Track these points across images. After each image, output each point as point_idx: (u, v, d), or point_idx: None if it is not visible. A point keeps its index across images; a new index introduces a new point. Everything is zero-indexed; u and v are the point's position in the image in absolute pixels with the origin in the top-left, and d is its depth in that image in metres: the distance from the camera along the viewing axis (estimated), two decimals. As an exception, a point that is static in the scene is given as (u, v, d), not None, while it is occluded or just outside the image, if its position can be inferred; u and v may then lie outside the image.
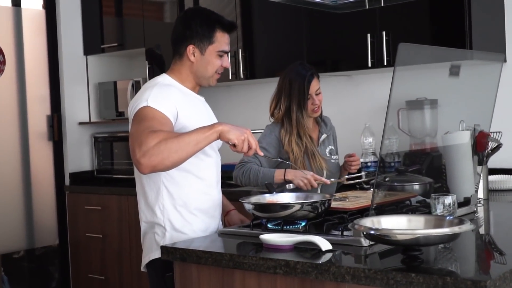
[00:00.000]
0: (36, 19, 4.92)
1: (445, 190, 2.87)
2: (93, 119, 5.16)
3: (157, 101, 2.34)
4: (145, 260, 2.51)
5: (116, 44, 4.98)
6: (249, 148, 2.28)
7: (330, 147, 3.26)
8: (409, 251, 1.86)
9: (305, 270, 1.90)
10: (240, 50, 4.23)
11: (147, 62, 4.72)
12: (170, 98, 2.39)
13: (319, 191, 3.09)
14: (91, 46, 5.10)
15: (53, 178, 4.97)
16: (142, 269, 2.54)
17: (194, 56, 2.50)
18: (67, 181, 5.00)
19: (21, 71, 4.81)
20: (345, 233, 2.17)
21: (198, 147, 2.21)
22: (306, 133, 3.12)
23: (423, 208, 2.60)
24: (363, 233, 1.93)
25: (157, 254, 2.42)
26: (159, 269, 2.43)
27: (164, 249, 2.24)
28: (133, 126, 2.31)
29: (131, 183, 4.70)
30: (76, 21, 5.08)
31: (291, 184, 2.95)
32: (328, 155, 3.23)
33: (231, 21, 2.56)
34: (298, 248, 2.09)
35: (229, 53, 3.72)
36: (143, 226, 2.54)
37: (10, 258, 4.77)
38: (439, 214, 2.25)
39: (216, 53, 2.50)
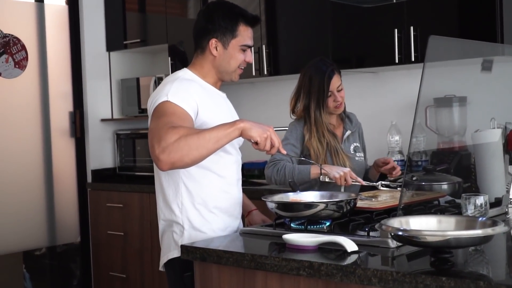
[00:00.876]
0: (59, 15, 4.89)
1: (475, 190, 2.79)
2: (115, 116, 5.12)
3: (177, 96, 2.29)
4: (163, 259, 2.46)
5: (139, 40, 4.94)
6: (272, 146, 2.21)
7: (355, 144, 3.17)
8: (439, 253, 1.78)
9: (330, 272, 1.83)
10: (264, 46, 4.16)
11: (169, 58, 4.67)
12: (191, 93, 2.33)
13: (342, 189, 3.01)
14: (114, 42, 5.06)
15: (75, 175, 4.94)
16: (161, 268, 2.49)
17: (216, 50, 2.44)
18: (89, 178, 4.97)
19: (44, 67, 4.78)
20: (371, 233, 2.11)
21: (219, 144, 2.16)
22: (326, 130, 3.03)
23: (453, 209, 2.52)
24: (390, 234, 1.85)
25: (175, 253, 2.38)
26: (178, 268, 2.38)
27: (184, 248, 2.19)
28: (152, 122, 2.26)
29: (153, 180, 4.68)
30: (99, 17, 5.05)
31: (326, 177, 2.85)
32: (353, 152, 3.14)
33: (254, 15, 2.49)
34: (322, 248, 2.03)
35: (252, 49, 3.66)
36: (161, 224, 2.49)
37: (32, 255, 4.76)
38: (470, 215, 2.16)
39: (239, 47, 2.44)
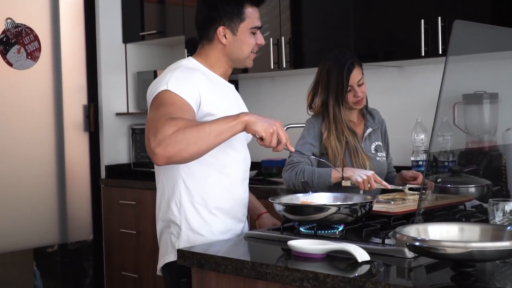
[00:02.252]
0: (74, 5, 4.77)
1: (505, 194, 2.59)
2: (131, 110, 4.98)
3: (178, 85, 2.12)
4: (160, 263, 2.30)
5: (156, 32, 4.78)
6: (279, 142, 2.02)
7: (376, 143, 2.95)
8: (461, 266, 1.57)
9: (336, 284, 1.63)
10: (283, 38, 3.96)
11: (186, 50, 4.49)
12: (193, 83, 2.16)
13: (361, 191, 2.79)
14: (131, 33, 4.92)
15: (88, 171, 4.82)
16: (158, 272, 2.32)
17: (226, 38, 2.27)
18: (102, 174, 4.85)
19: (57, 59, 4.66)
20: (386, 241, 1.91)
21: (221, 138, 1.98)
22: (346, 128, 2.84)
23: (480, 214, 2.32)
24: (406, 244, 1.64)
25: (172, 257, 2.21)
26: (174, 273, 2.22)
27: (180, 252, 2.01)
28: (150, 112, 2.11)
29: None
30: (116, 7, 4.92)
31: (349, 181, 2.65)
32: (374, 152, 2.92)
33: None
34: (331, 256, 1.84)
35: (271, 40, 3.45)
36: (159, 224, 2.33)
37: (43, 252, 4.66)
38: (498, 222, 1.94)
39: (249, 31, 2.28)
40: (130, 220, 4.56)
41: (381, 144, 2.97)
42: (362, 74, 2.88)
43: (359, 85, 2.84)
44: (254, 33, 2.29)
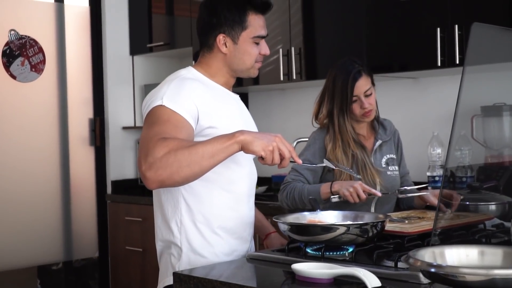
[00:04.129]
0: (80, 16, 4.70)
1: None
2: (138, 124, 4.88)
3: (173, 99, 1.99)
4: (160, 286, 2.17)
5: (164, 43, 4.68)
6: (282, 158, 1.87)
7: (388, 156, 2.77)
8: (482, 295, 1.41)
9: (343, 314, 1.47)
10: (293, 49, 3.82)
11: (193, 62, 4.37)
12: (190, 96, 2.02)
13: (373, 209, 2.64)
14: (138, 45, 4.83)
15: (94, 186, 4.73)
16: (157, 296, 2.17)
17: (226, 46, 2.13)
18: (109, 190, 4.75)
19: (63, 71, 4.58)
20: (399, 264, 1.75)
21: (215, 160, 1.85)
22: (352, 140, 2.67)
23: (501, 235, 2.16)
24: (420, 270, 1.48)
25: (171, 280, 2.04)
26: (175, 298, 2.05)
27: (176, 276, 1.88)
28: (143, 130, 1.98)
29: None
30: (123, 18, 4.83)
31: (337, 196, 2.51)
32: (384, 165, 2.74)
33: (264, 0, 2.15)
34: (339, 281, 1.69)
35: (281, 51, 3.31)
36: (158, 246, 2.19)
37: (48, 270, 4.57)
38: (522, 244, 1.78)
39: (252, 40, 2.13)
40: (136, 237, 4.44)
41: (394, 157, 2.79)
42: (373, 84, 2.72)
43: (366, 96, 2.67)
44: (257, 43, 2.15)
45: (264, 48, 2.17)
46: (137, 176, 4.84)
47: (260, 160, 1.89)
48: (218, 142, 1.84)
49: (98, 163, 4.74)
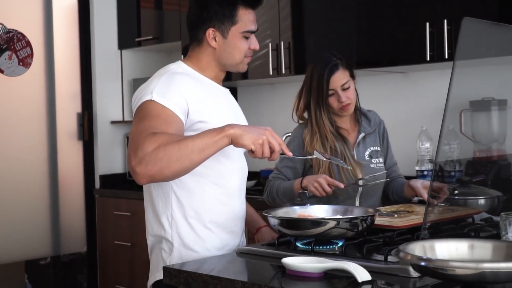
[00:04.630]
0: (68, 10, 4.66)
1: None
2: (126, 118, 4.85)
3: (163, 94, 1.98)
4: (150, 280, 2.16)
5: (153, 37, 4.65)
6: (272, 151, 1.87)
7: (372, 148, 2.74)
8: (472, 288, 1.42)
9: (334, 308, 1.48)
10: (282, 43, 3.81)
11: (182, 56, 4.35)
12: (180, 90, 2.01)
13: (357, 203, 2.63)
14: (127, 39, 4.81)
15: (82, 181, 4.69)
16: (147, 291, 2.16)
17: (215, 41, 2.12)
18: (97, 184, 4.72)
19: (51, 65, 4.54)
20: (389, 258, 1.76)
21: (205, 154, 1.84)
22: (330, 133, 2.65)
23: (489, 228, 2.17)
24: (410, 264, 1.48)
25: (162, 275, 2.04)
26: (166, 293, 2.05)
27: (167, 270, 1.87)
28: (133, 125, 1.96)
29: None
30: (111, 12, 4.80)
31: (306, 192, 2.52)
32: (368, 158, 2.72)
33: None
34: (329, 275, 1.69)
35: (269, 45, 3.30)
36: (149, 240, 2.18)
37: (35, 265, 4.52)
38: (511, 238, 1.79)
39: (241, 35, 2.12)
40: (124, 231, 4.42)
41: (378, 149, 2.77)
42: (352, 78, 2.69)
43: (344, 89, 2.64)
44: (247, 37, 2.14)
45: (254, 43, 2.16)
46: (126, 170, 4.82)
47: (250, 153, 1.88)
48: (208, 136, 1.84)
49: (86, 157, 4.71)
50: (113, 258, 4.53)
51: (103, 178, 4.71)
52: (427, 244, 1.56)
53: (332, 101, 2.64)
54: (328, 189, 2.46)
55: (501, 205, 2.44)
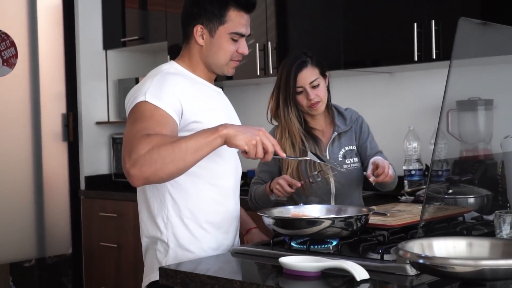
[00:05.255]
0: (52, 10, 4.61)
1: (502, 204, 2.46)
2: (111, 119, 4.82)
3: (156, 95, 1.97)
4: (145, 281, 2.15)
5: (138, 38, 4.63)
6: (265, 152, 1.87)
7: (346, 148, 2.68)
8: (471, 286, 1.43)
9: (334, 306, 1.48)
10: (269, 43, 3.82)
11: (169, 57, 4.35)
12: (173, 91, 2.00)
13: (333, 202, 2.61)
14: (112, 40, 4.77)
15: (67, 182, 4.65)
16: (142, 292, 2.15)
17: (202, 38, 2.11)
18: (82, 186, 4.68)
19: (35, 66, 4.50)
20: (385, 257, 1.77)
21: (199, 154, 1.84)
22: (300, 133, 2.61)
23: (481, 227, 2.18)
24: (409, 261, 1.49)
25: (158, 276, 2.03)
26: (161, 294, 2.05)
27: (162, 271, 1.86)
28: (127, 126, 1.95)
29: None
30: (96, 12, 4.76)
31: (274, 194, 2.51)
32: (341, 159, 2.66)
33: None
34: (326, 274, 1.69)
35: (260, 45, 3.30)
36: (144, 241, 2.17)
37: (20, 267, 4.48)
38: (505, 236, 1.81)
39: (229, 36, 2.11)
40: (110, 233, 4.39)
41: (353, 148, 2.69)
42: (323, 77, 2.63)
43: (313, 87, 2.59)
44: (235, 40, 2.12)
45: (243, 47, 2.14)
46: (111, 171, 4.78)
47: (243, 154, 1.88)
48: (202, 137, 1.83)
49: (71, 158, 4.67)
50: (98, 259, 4.50)
51: (88, 179, 4.68)
52: (425, 242, 1.58)
53: (301, 99, 2.60)
54: (288, 189, 2.43)
55: (490, 203, 2.47)
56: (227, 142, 1.85)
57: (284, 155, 1.96)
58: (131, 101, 2.01)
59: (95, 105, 4.75)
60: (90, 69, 4.72)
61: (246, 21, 2.14)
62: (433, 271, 1.45)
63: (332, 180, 2.62)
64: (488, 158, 3.13)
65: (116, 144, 4.72)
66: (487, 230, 2.14)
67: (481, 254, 1.53)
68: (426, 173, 3.45)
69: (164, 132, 1.89)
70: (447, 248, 1.56)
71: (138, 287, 4.19)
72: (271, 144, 1.89)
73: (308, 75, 2.59)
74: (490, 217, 2.35)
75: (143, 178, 1.81)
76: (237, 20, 2.11)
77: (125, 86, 4.71)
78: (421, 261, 1.45)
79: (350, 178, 2.66)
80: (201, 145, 1.83)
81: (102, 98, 4.79)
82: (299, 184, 2.45)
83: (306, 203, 2.48)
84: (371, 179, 2.44)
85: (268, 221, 2.02)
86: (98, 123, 4.75)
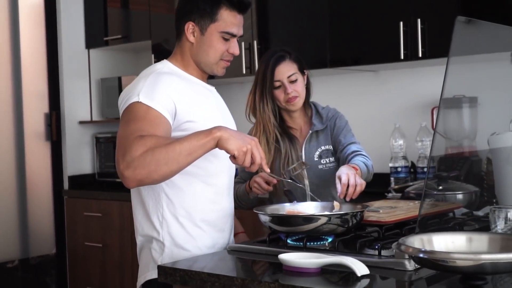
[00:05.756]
0: (34, 8, 4.57)
1: (487, 200, 2.50)
2: (94, 118, 4.80)
3: (150, 95, 1.97)
4: (140, 280, 2.13)
5: (121, 37, 4.61)
6: (252, 162, 1.89)
7: (323, 147, 2.63)
8: (471, 280, 1.46)
9: (339, 302, 1.50)
10: (255, 42, 3.83)
11: (153, 55, 4.34)
12: (167, 91, 2.00)
13: (309, 198, 2.53)
14: (94, 38, 4.75)
15: (50, 182, 4.62)
16: (138, 290, 2.15)
17: (193, 36, 2.11)
18: (65, 185, 4.65)
19: (17, 65, 4.46)
20: (383, 252, 1.78)
21: (192, 157, 1.86)
22: (273, 128, 2.58)
23: (472, 222, 2.21)
24: (411, 256, 1.52)
25: (154, 274, 2.05)
26: (157, 292, 2.05)
27: (161, 269, 1.86)
28: (120, 127, 1.95)
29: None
30: (78, 11, 4.74)
31: (252, 193, 2.50)
32: (317, 159, 2.61)
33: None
34: (325, 270, 1.71)
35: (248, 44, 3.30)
36: (139, 240, 2.16)
37: (3, 268, 4.42)
38: (500, 230, 1.84)
39: (220, 35, 2.10)
40: (95, 232, 4.37)
41: (330, 147, 2.64)
42: (301, 73, 2.61)
43: (291, 82, 2.56)
44: (226, 39, 2.11)
45: (233, 47, 2.13)
46: (94, 171, 4.76)
47: (231, 158, 1.89)
48: (195, 139, 1.85)
49: (54, 158, 4.64)
50: (83, 259, 4.47)
51: (72, 179, 4.65)
52: (425, 237, 1.60)
53: (278, 93, 2.57)
54: (266, 186, 2.42)
55: (478, 199, 2.51)
56: (219, 144, 1.86)
57: (268, 170, 1.99)
58: (124, 101, 2.01)
59: (78, 105, 4.72)
60: (73, 68, 4.69)
61: (238, 22, 2.13)
62: (434, 266, 1.47)
63: (306, 182, 2.58)
64: (473, 155, 3.17)
65: (100, 144, 4.69)
66: (478, 226, 2.18)
67: (480, 248, 1.56)
68: (412, 170, 3.49)
69: (158, 133, 1.90)
70: (446, 243, 1.59)
71: (124, 286, 4.21)
72: (260, 156, 1.90)
73: (286, 69, 2.56)
74: (480, 213, 2.39)
75: (137, 180, 1.83)
76: (229, 20, 2.11)
77: (108, 85, 4.69)
78: (422, 255, 1.47)
79: (326, 178, 2.61)
80: (194, 147, 1.84)
81: (85, 97, 4.76)
82: (275, 181, 2.42)
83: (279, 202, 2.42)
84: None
85: (264, 218, 2.03)
86: (81, 122, 4.73)
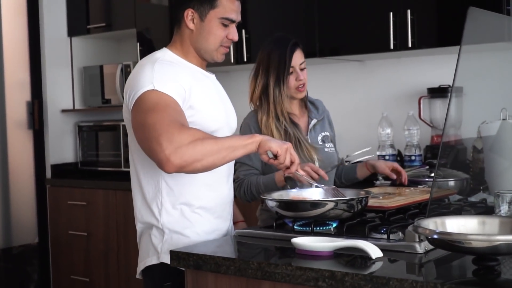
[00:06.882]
0: (15, -3, 4.52)
1: (473, 187, 2.58)
2: (77, 107, 4.78)
3: (164, 83, 1.98)
4: (141, 266, 2.15)
5: (103, 25, 4.59)
6: (292, 162, 2.00)
7: (323, 133, 2.74)
8: (484, 261, 1.52)
9: (356, 283, 1.55)
10: (243, 31, 3.85)
11: (138, 44, 4.33)
12: (176, 78, 2.02)
13: (314, 185, 2.60)
14: (76, 26, 4.72)
15: (33, 171, 4.59)
16: (138, 276, 2.17)
17: (193, 23, 2.13)
18: (48, 174, 4.63)
19: (-1, 53, 4.41)
20: (391, 236, 1.83)
21: (235, 154, 1.94)
22: (286, 114, 2.63)
23: (468, 208, 2.28)
24: (427, 237, 1.57)
25: (154, 260, 2.09)
26: (157, 277, 2.09)
27: (174, 254, 1.88)
28: (142, 116, 1.94)
29: (118, 176, 4.40)
30: (60, -1, 4.69)
31: (291, 182, 2.50)
32: (321, 143, 2.71)
33: None
34: (337, 254, 1.75)
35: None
36: (138, 227, 2.18)
37: (-15, 258, 4.39)
38: (504, 214, 1.91)
39: (219, 21, 2.12)
40: (80, 221, 4.37)
41: (328, 134, 2.76)
42: (304, 60, 2.69)
43: (301, 69, 2.64)
44: (226, 25, 2.14)
45: (233, 33, 2.15)
46: (77, 159, 4.73)
47: (271, 160, 1.97)
48: (240, 139, 1.95)
49: (37, 147, 4.61)
50: (67, 248, 4.46)
51: (54, 167, 4.63)
52: (438, 220, 1.66)
53: (291, 79, 2.62)
54: (316, 176, 2.42)
55: (469, 186, 2.58)
56: (261, 146, 1.96)
57: (303, 172, 2.11)
58: (135, 90, 1.99)
59: (60, 93, 4.69)
60: (55, 56, 4.66)
61: (237, 7, 2.16)
62: (450, 247, 1.53)
63: (316, 162, 2.62)
64: (458, 144, 3.25)
65: (82, 132, 4.68)
66: (474, 212, 2.25)
67: (492, 231, 1.63)
68: (399, 158, 3.56)
69: (183, 120, 1.94)
70: (459, 226, 1.65)
71: (108, 274, 4.22)
72: (297, 157, 2.01)
73: (299, 56, 2.65)
74: (473, 199, 2.47)
75: (180, 166, 1.85)
76: (228, 6, 2.13)
77: (90, 73, 4.67)
78: (437, 236, 1.53)
79: (332, 161, 2.71)
80: (239, 146, 1.94)
81: (67, 85, 4.74)
82: (327, 178, 2.44)
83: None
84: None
85: (271, 203, 2.07)
86: (63, 111, 4.70)
